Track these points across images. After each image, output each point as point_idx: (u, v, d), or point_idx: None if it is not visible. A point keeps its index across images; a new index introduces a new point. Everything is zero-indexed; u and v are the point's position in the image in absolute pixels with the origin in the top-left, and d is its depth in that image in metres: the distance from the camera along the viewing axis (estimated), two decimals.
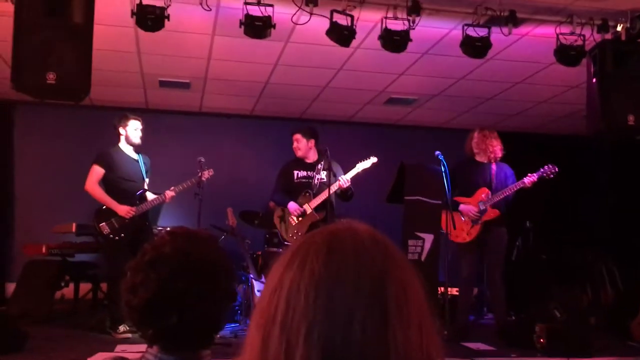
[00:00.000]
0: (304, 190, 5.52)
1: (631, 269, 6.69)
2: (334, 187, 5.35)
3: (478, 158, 5.49)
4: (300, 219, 5.44)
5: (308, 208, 5.43)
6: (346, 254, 0.73)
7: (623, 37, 4.53)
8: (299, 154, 5.60)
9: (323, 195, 5.30)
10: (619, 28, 4.50)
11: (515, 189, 5.24)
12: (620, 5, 4.39)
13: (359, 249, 0.74)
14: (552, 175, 5.20)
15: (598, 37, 4.54)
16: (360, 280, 0.71)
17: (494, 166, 5.44)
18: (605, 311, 6.47)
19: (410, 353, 0.69)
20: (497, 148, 5.43)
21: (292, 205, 5.45)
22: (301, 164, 5.62)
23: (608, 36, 4.55)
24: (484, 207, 5.30)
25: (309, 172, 5.57)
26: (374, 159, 5.53)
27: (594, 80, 4.57)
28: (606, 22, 4.48)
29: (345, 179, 5.37)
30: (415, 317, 0.71)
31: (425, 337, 0.71)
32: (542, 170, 5.22)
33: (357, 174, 5.47)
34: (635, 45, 4.52)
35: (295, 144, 5.60)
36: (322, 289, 0.70)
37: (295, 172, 5.58)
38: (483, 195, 5.34)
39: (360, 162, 5.53)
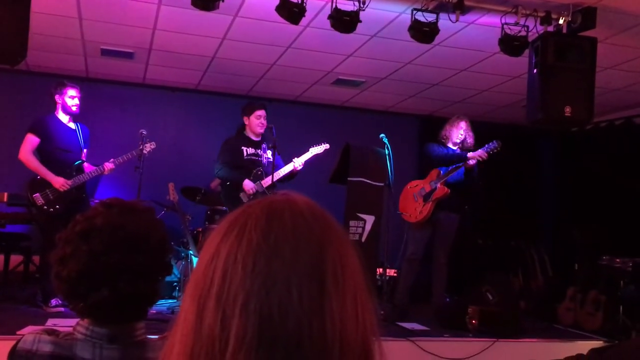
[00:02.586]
0: (255, 168, 5.46)
1: (563, 258, 6.97)
2: (287, 169, 5.37)
3: (450, 144, 5.60)
4: (252, 197, 5.40)
5: (261, 186, 5.40)
6: (285, 224, 0.72)
7: (564, 30, 4.65)
8: (260, 130, 5.52)
9: (276, 175, 5.30)
10: (561, 21, 4.62)
11: (461, 165, 5.38)
12: None
13: (297, 219, 0.73)
14: (497, 150, 5.33)
15: (541, 29, 4.64)
16: (298, 251, 0.70)
17: (457, 151, 5.58)
18: (535, 296, 6.75)
19: (345, 323, 0.69)
20: (472, 138, 5.63)
21: (248, 184, 5.36)
22: (247, 141, 5.53)
23: (550, 28, 4.66)
24: (435, 186, 5.46)
25: (256, 150, 5.52)
26: (326, 145, 5.59)
27: (535, 71, 4.68)
28: (549, 14, 4.59)
29: (299, 163, 5.42)
30: (351, 287, 0.72)
31: (360, 308, 0.72)
32: (487, 146, 5.35)
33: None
34: (575, 39, 4.65)
35: (262, 120, 5.49)
36: (260, 259, 0.69)
37: (244, 149, 5.51)
38: (435, 176, 5.50)
39: (314, 146, 5.58)
